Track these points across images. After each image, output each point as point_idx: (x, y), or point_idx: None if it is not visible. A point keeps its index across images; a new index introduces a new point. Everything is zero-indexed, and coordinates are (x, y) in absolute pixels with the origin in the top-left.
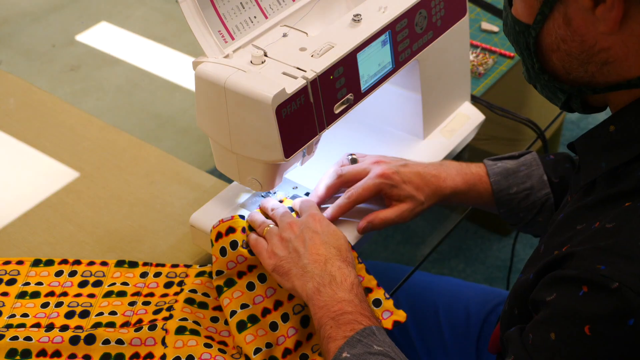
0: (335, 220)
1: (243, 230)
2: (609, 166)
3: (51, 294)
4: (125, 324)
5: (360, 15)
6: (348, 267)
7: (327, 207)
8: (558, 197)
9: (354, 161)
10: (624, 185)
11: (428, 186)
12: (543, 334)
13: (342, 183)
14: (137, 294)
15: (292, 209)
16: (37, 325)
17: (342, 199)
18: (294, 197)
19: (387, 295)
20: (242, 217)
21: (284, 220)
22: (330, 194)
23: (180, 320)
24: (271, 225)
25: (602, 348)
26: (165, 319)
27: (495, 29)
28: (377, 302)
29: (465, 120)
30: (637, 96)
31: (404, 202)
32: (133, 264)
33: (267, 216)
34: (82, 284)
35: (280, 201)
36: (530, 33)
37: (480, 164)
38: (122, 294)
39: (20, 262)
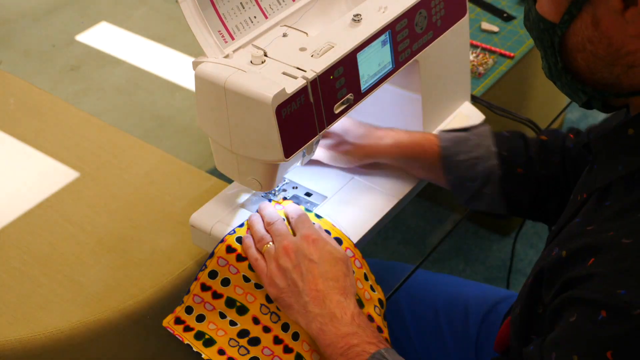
0: None
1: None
2: (626, 170)
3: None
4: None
5: (360, 15)
6: (347, 299)
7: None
8: (506, 171)
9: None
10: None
11: (361, 129)
12: (566, 356)
13: None
14: None
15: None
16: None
17: None
18: (293, 197)
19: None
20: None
21: (280, 242)
22: None
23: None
24: (270, 244)
25: None
26: None
27: (495, 29)
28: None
29: (465, 120)
30: None
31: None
32: None
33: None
34: None
35: (284, 200)
36: (556, 32)
37: (434, 133)
38: None
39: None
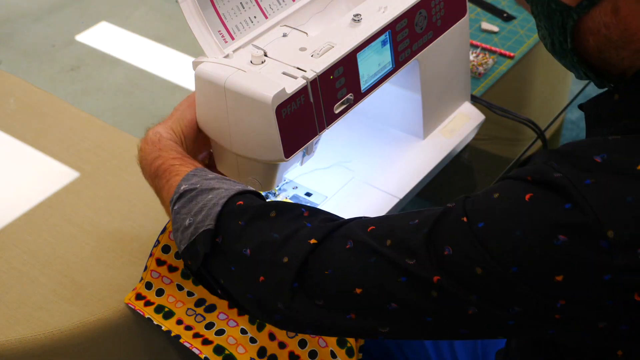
0: None
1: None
2: (609, 134)
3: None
4: None
5: (360, 15)
6: (155, 129)
7: None
8: None
9: None
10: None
11: None
12: (487, 195)
13: None
14: None
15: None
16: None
17: None
18: (294, 197)
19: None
20: None
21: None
22: None
23: None
24: None
25: (532, 215)
26: None
27: (495, 29)
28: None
29: (465, 120)
30: None
31: None
32: None
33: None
34: None
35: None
36: (572, 15)
37: None
38: None
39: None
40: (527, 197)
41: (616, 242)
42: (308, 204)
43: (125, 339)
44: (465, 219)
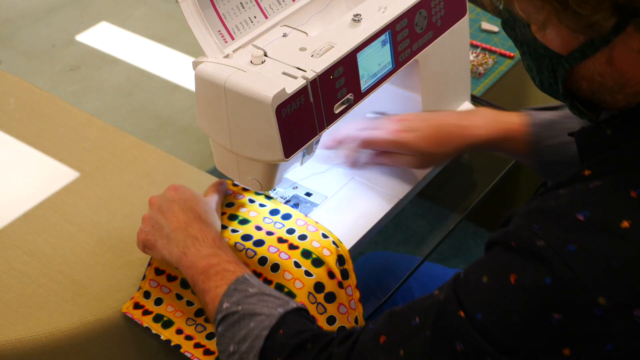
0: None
1: None
2: None
3: None
4: None
5: (360, 15)
6: (208, 227)
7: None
8: None
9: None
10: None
11: (446, 138)
12: (477, 275)
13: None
14: None
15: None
16: None
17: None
18: (293, 197)
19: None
20: None
21: (149, 202)
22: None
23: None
24: None
25: (522, 299)
26: None
27: (495, 29)
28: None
29: None
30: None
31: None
32: None
33: None
34: None
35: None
36: (562, 64)
37: (521, 113)
38: None
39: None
40: (513, 279)
41: (609, 307)
42: (308, 204)
43: (126, 339)
44: (462, 313)
